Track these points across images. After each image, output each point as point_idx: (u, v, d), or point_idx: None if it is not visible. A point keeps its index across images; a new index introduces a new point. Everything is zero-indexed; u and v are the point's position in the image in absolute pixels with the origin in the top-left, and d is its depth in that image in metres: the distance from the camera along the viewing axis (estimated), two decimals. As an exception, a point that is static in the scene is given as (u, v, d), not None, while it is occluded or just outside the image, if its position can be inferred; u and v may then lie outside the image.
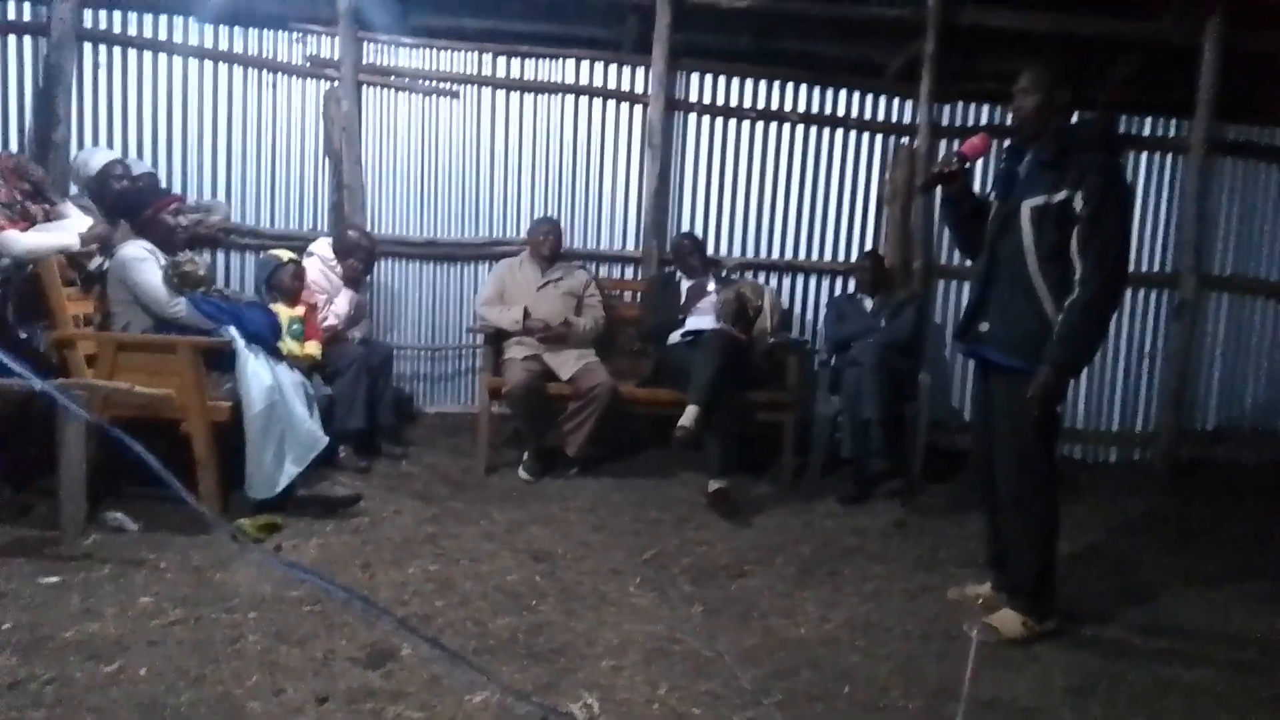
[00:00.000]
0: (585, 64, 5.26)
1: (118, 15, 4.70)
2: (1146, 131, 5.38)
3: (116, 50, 4.72)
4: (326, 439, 3.80)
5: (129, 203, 3.96)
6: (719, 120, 5.38)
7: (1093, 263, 2.70)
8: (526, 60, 5.23)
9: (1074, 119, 3.00)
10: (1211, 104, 5.13)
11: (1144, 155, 5.36)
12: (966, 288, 5.19)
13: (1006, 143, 3.19)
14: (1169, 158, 5.36)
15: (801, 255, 5.48)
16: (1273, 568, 3.74)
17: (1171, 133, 5.35)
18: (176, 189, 4.66)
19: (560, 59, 5.24)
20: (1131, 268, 3.35)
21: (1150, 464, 5.30)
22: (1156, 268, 5.34)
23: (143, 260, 3.69)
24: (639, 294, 5.17)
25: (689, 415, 4.04)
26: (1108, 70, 5.31)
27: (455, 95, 5.19)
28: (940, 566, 3.51)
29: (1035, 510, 2.92)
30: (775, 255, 5.47)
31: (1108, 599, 3.27)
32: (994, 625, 2.90)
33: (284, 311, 4.19)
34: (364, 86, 5.08)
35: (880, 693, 2.50)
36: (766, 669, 2.59)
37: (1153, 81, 5.31)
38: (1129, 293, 5.23)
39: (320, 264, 4.59)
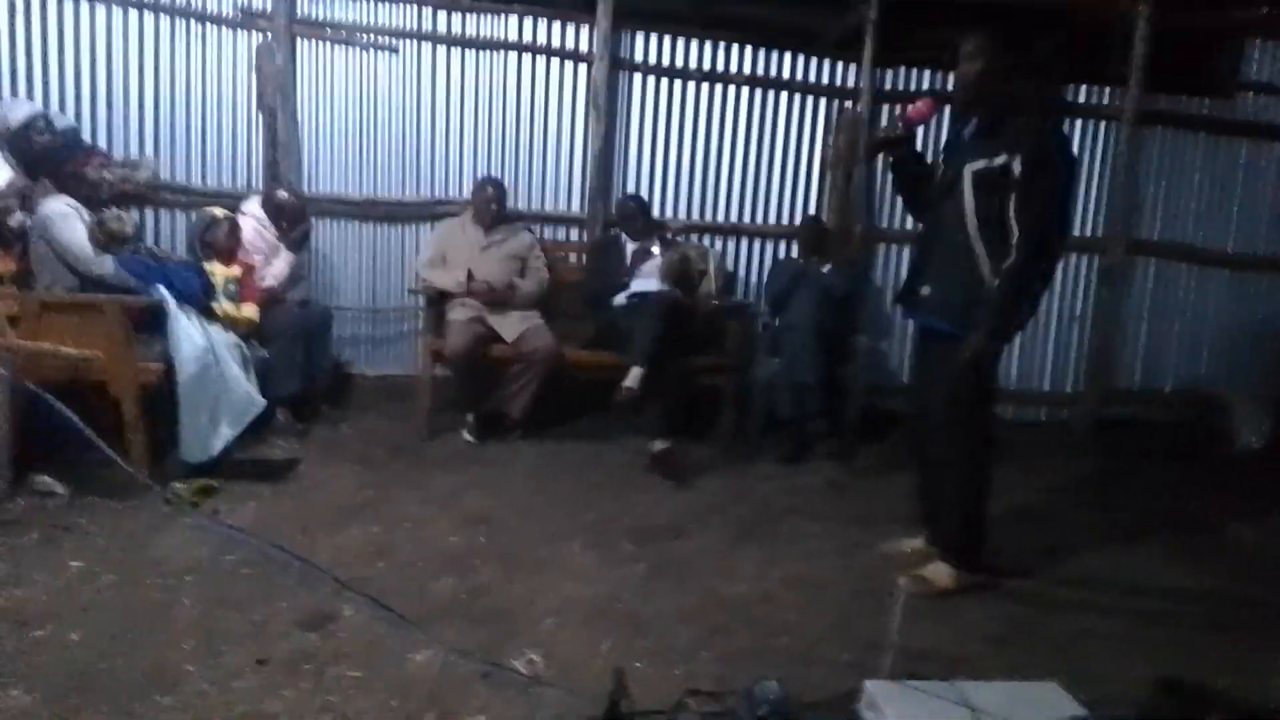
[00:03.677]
0: (528, 21, 5.17)
1: (36, -40, 4.48)
2: (1078, 99, 5.47)
3: (35, -2, 4.50)
4: (263, 402, 3.74)
5: (51, 158, 3.81)
6: (663, 81, 5.33)
7: (1028, 228, 2.73)
8: (468, 15, 5.12)
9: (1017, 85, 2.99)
10: (1142, 75, 5.24)
11: (1076, 122, 5.46)
12: (907, 252, 5.31)
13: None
14: (1099, 125, 5.47)
15: (745, 218, 5.50)
16: (1183, 523, 3.92)
17: (1104, 100, 5.45)
18: (102, 144, 4.47)
19: (503, 15, 5.14)
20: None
21: (1075, 423, 5.48)
22: (1086, 233, 5.47)
23: (66, 216, 3.58)
24: (582, 256, 5.14)
25: (632, 377, 4.06)
26: (1036, 41, 5.40)
27: (394, 50, 5.07)
28: (874, 524, 3.59)
29: (967, 470, 3.00)
30: (719, 218, 5.47)
31: (1029, 553, 3.38)
32: (925, 577, 3.00)
33: (219, 271, 4.09)
34: (299, 40, 4.93)
35: (814, 647, 2.57)
36: (705, 626, 2.64)
37: (1080, 53, 5.40)
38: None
39: (256, 223, 4.47)
